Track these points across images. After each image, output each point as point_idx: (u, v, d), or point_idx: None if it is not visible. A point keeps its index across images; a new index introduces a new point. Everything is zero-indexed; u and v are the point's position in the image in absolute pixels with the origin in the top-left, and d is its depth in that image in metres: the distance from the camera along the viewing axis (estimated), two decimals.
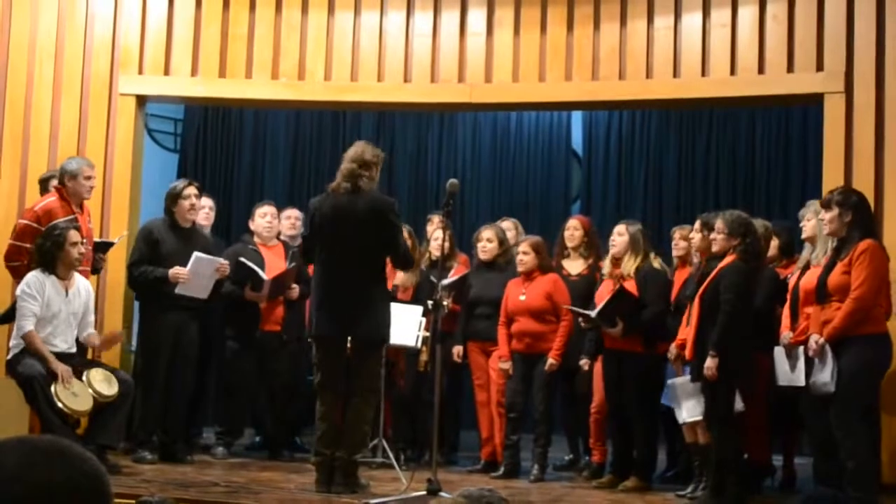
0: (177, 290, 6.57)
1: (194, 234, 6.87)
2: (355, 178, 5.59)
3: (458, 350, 7.00)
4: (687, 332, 5.80)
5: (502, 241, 7.01)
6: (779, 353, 5.70)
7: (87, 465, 1.43)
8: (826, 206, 5.36)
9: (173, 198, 6.75)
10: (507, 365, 6.66)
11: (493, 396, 6.80)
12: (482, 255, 7.00)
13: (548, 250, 6.85)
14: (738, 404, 5.58)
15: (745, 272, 5.58)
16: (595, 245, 6.98)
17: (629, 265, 6.37)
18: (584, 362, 6.60)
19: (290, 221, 7.57)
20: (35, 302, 5.98)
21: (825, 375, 5.18)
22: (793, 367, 5.55)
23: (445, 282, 6.74)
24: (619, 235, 6.43)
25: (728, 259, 5.63)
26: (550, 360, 6.51)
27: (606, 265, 6.53)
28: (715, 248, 5.74)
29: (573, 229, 7.01)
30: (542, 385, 6.57)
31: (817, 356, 5.23)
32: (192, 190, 6.79)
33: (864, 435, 5.19)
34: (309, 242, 5.85)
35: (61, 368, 5.86)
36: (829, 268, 5.31)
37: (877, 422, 5.70)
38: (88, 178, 6.49)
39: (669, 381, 5.98)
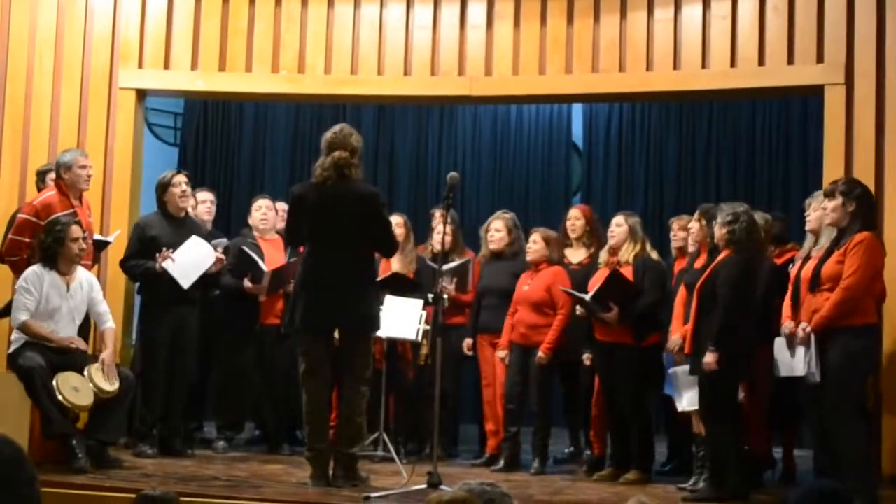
0: (162, 265, 6.47)
1: (188, 222, 6.85)
2: (344, 167, 5.55)
3: (468, 343, 7.00)
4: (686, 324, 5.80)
5: (511, 231, 7.01)
6: (779, 343, 5.69)
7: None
8: (829, 195, 5.34)
9: (163, 187, 6.74)
10: (503, 353, 6.66)
11: (498, 391, 6.79)
12: (492, 245, 6.99)
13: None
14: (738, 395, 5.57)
15: (741, 265, 5.55)
16: (597, 233, 6.97)
17: (627, 253, 6.38)
18: (586, 356, 6.58)
19: (282, 214, 7.56)
20: (30, 296, 5.98)
21: (810, 365, 5.18)
22: (792, 356, 5.54)
23: (447, 266, 6.75)
24: (618, 226, 6.45)
25: (725, 252, 5.62)
26: (540, 354, 6.51)
27: (603, 254, 6.53)
28: (716, 239, 5.74)
29: (574, 219, 6.99)
30: (537, 377, 6.56)
31: (803, 344, 5.23)
32: (181, 178, 6.77)
33: (858, 427, 5.17)
34: (292, 231, 5.80)
35: (67, 340, 5.93)
36: (826, 256, 5.30)
37: (874, 412, 5.69)
38: (83, 167, 6.49)
39: (670, 370, 5.98)
